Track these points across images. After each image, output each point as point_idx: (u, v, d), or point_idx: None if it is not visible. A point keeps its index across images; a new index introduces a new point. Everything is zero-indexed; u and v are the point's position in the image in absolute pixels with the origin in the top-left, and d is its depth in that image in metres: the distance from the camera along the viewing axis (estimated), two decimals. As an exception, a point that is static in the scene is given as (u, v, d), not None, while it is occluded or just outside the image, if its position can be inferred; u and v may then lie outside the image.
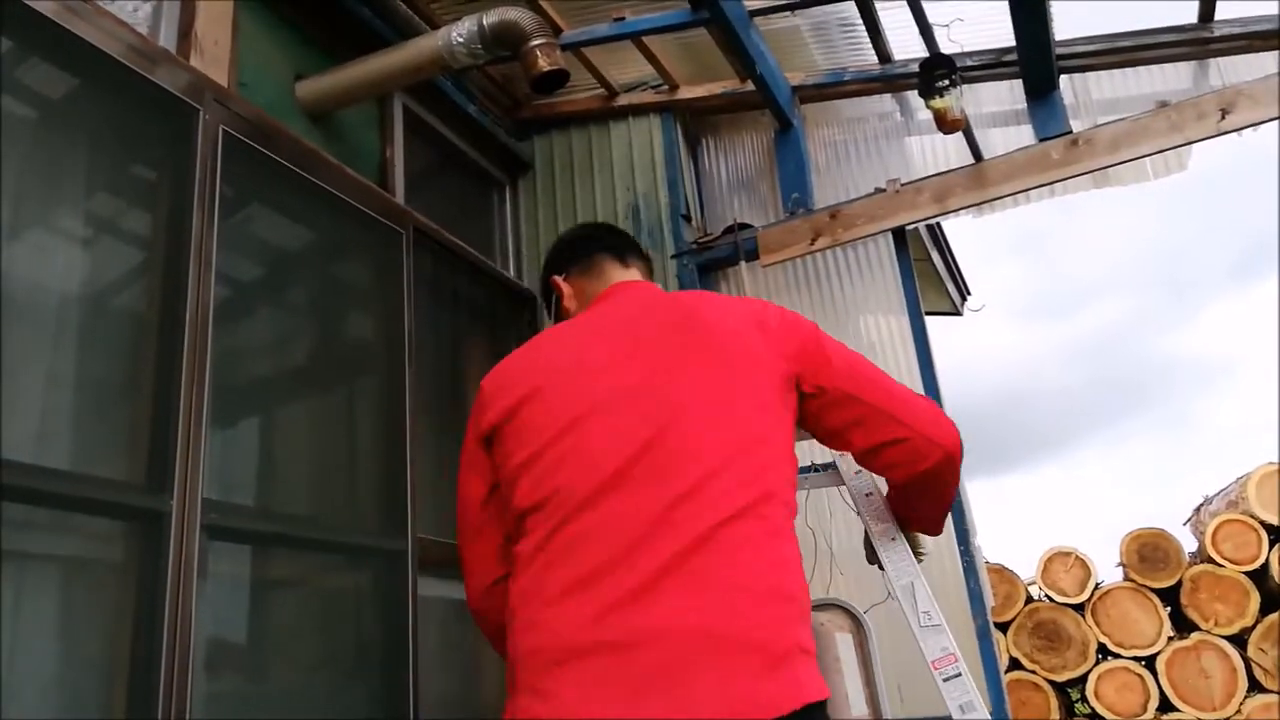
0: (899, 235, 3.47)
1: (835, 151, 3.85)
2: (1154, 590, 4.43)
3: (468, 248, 3.47)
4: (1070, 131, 3.24)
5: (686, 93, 3.86)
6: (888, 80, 3.70)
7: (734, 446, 1.16)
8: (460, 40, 2.78)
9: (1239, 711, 4.08)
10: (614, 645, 1.04)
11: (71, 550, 1.90)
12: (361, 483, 2.68)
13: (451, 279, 3.40)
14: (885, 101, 3.81)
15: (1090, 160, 3.16)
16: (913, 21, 3.21)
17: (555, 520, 1.15)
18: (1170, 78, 3.37)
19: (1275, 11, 3.16)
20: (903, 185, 3.42)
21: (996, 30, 3.31)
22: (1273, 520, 4.38)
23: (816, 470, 1.81)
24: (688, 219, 3.77)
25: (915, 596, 1.42)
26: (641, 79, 3.89)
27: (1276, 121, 2.96)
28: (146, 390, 2.05)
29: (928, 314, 3.53)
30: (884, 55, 3.64)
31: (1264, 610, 4.25)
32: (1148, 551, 4.55)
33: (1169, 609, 4.43)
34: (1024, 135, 3.40)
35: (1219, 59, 3.28)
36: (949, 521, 3.13)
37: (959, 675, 1.34)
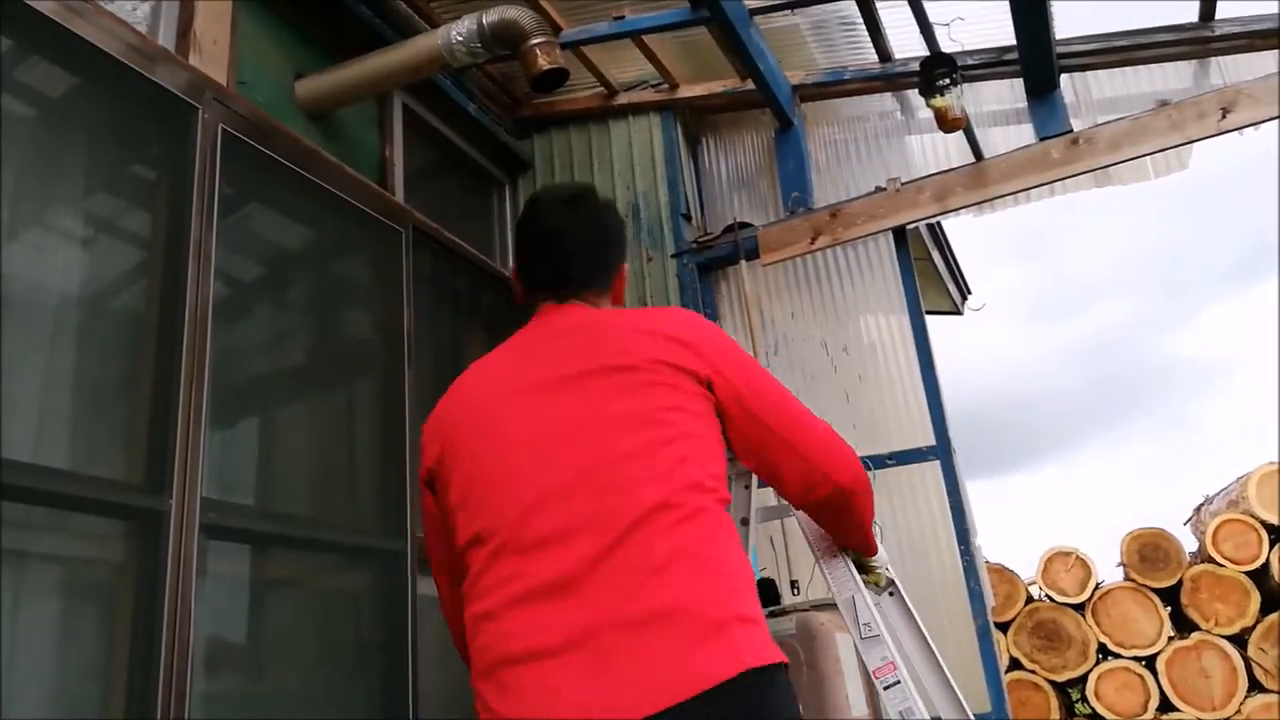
0: (899, 234, 3.47)
1: (835, 150, 3.84)
2: (1154, 590, 4.43)
3: (467, 247, 3.46)
4: (1071, 130, 3.24)
5: (686, 91, 3.85)
6: (888, 79, 3.70)
7: (646, 446, 1.21)
8: (460, 39, 2.78)
9: (1239, 711, 4.08)
10: (553, 648, 1.11)
11: (70, 550, 1.90)
12: (361, 482, 2.68)
13: (451, 278, 3.39)
14: (886, 100, 3.81)
15: (1091, 159, 3.16)
16: (913, 20, 3.21)
17: (489, 550, 1.22)
18: (1171, 77, 3.37)
19: (1275, 10, 3.15)
20: (903, 184, 3.42)
21: (997, 29, 3.31)
22: (1273, 520, 4.38)
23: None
24: (688, 218, 3.76)
25: (856, 609, 1.48)
26: (641, 78, 3.89)
27: (1277, 120, 2.96)
28: (145, 389, 2.05)
29: (928, 313, 3.53)
30: (884, 54, 3.64)
31: (1264, 610, 4.25)
32: (1148, 551, 4.55)
33: (1169, 609, 4.43)
34: (1024, 134, 3.39)
35: (1219, 58, 3.28)
36: (949, 522, 3.14)
37: (898, 683, 1.40)
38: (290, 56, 2.91)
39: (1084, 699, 4.35)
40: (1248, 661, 4.18)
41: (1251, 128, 2.99)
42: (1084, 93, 3.46)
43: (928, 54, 3.09)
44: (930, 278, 4.99)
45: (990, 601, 3.15)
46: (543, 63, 2.73)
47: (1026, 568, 4.76)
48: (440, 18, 3.31)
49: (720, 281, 3.76)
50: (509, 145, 3.90)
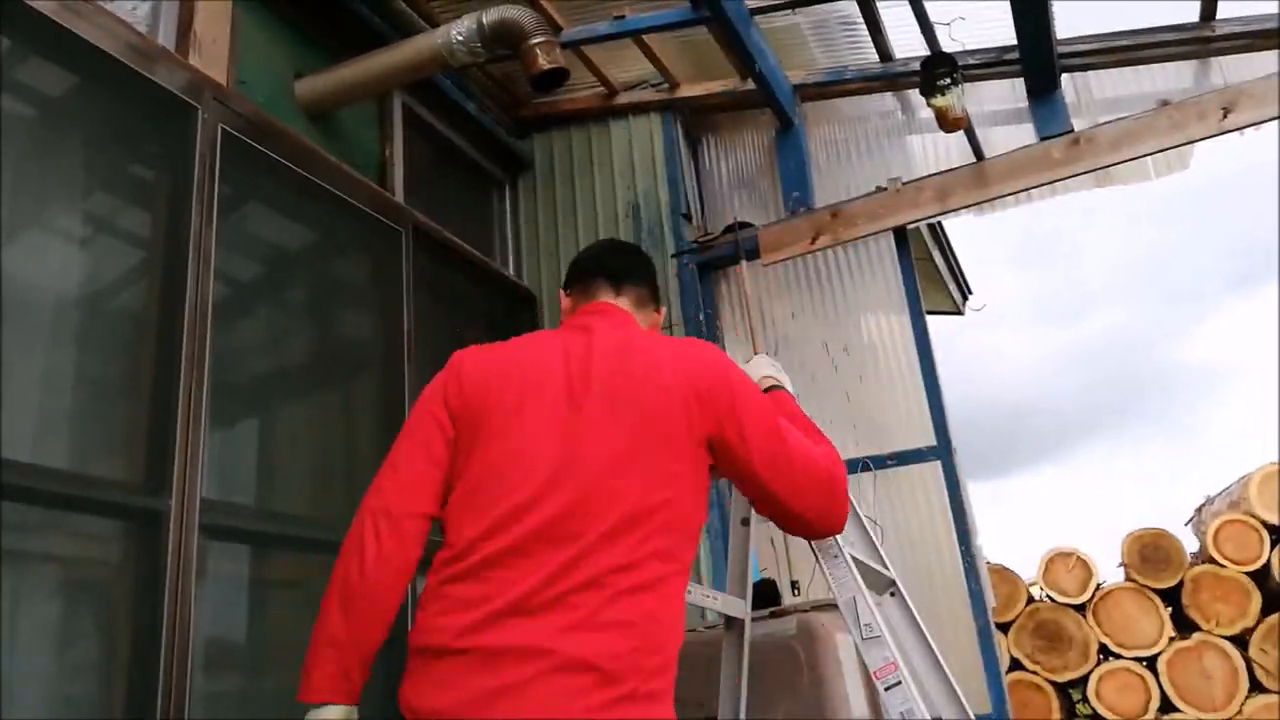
0: (900, 234, 3.47)
1: (836, 150, 3.84)
2: (1155, 590, 4.42)
3: (467, 246, 3.46)
4: (1072, 130, 3.23)
5: (687, 91, 3.85)
6: (889, 79, 3.70)
7: (634, 508, 1.25)
8: (460, 39, 2.78)
9: (1240, 712, 4.07)
10: (481, 651, 1.18)
11: (70, 550, 1.90)
12: (360, 482, 2.66)
13: (450, 277, 3.39)
14: (886, 100, 3.80)
15: (1092, 159, 3.15)
16: (914, 20, 3.20)
17: (464, 544, 1.27)
18: (1172, 77, 3.36)
19: (1276, 10, 3.15)
20: (904, 184, 3.41)
21: (998, 29, 3.31)
22: (1274, 520, 4.37)
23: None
24: (688, 218, 3.76)
25: (857, 610, 1.48)
26: (642, 77, 3.89)
27: (1277, 120, 2.96)
28: (145, 390, 2.05)
29: (929, 313, 3.52)
30: (885, 54, 3.63)
31: (1265, 611, 4.24)
32: (1149, 552, 4.54)
33: (1170, 609, 4.42)
34: (1025, 134, 3.39)
35: (1220, 58, 3.27)
36: (950, 522, 3.14)
37: (900, 683, 1.38)
38: (290, 56, 2.90)
39: (1085, 700, 4.34)
40: (1249, 662, 4.17)
41: (1252, 128, 2.99)
42: (1085, 92, 3.45)
43: (929, 53, 3.09)
44: (931, 278, 4.99)
45: (991, 602, 3.14)
46: (543, 62, 2.73)
47: (1027, 568, 4.76)
48: (440, 17, 3.31)
49: (721, 281, 3.76)
50: (509, 145, 3.90)
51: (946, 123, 3.00)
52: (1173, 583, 4.45)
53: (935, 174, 3.42)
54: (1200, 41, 3.28)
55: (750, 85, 3.61)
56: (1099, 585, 4.55)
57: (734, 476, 1.40)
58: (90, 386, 1.99)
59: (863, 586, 1.47)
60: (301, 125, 2.82)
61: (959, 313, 5.53)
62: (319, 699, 1.30)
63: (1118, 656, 4.36)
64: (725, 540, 2.74)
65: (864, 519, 1.78)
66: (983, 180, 3.29)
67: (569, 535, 1.23)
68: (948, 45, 3.31)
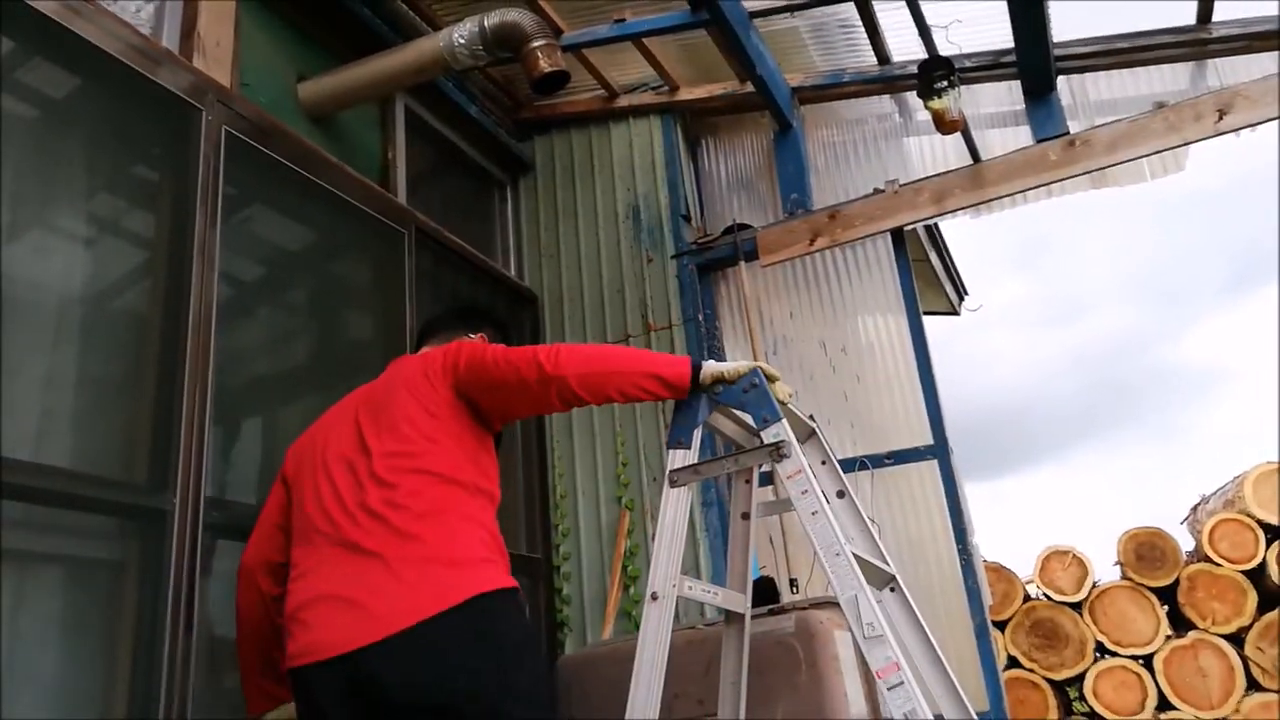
0: (897, 236, 3.48)
1: (834, 152, 3.86)
2: (1151, 589, 4.44)
3: (469, 247, 3.48)
4: (1068, 132, 3.25)
5: (687, 94, 3.87)
6: (887, 81, 3.71)
7: (394, 452, 1.62)
8: (462, 41, 2.79)
9: (1237, 710, 4.09)
10: (330, 595, 1.52)
11: (74, 549, 1.91)
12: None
13: (453, 278, 3.41)
14: (884, 102, 3.82)
15: (1088, 161, 3.17)
16: (911, 23, 3.22)
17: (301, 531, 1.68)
18: (1168, 79, 3.38)
19: (1273, 13, 3.17)
20: (901, 186, 3.43)
21: (995, 31, 3.32)
22: (1270, 519, 4.39)
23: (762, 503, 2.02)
24: (688, 219, 3.78)
25: (859, 608, 1.46)
26: (642, 80, 3.91)
27: (1274, 122, 2.98)
28: (149, 389, 2.06)
29: (926, 314, 3.54)
30: (883, 56, 3.65)
31: (1261, 609, 4.26)
32: (1145, 550, 4.56)
33: (1166, 608, 4.44)
34: (1022, 136, 3.41)
35: (1217, 60, 3.29)
36: (947, 521, 3.15)
37: (902, 683, 1.38)
38: (293, 58, 2.92)
39: (1082, 697, 4.36)
40: (1245, 660, 4.19)
41: (1248, 129, 3.01)
42: (1081, 95, 3.47)
43: (926, 56, 3.11)
44: (928, 279, 5.01)
45: (988, 600, 3.16)
46: (544, 65, 2.75)
47: (1024, 567, 4.78)
48: (442, 20, 3.33)
49: (720, 282, 3.78)
50: (510, 147, 3.92)
51: (943, 125, 3.02)
52: (1169, 581, 4.47)
53: (932, 176, 3.44)
54: (1196, 44, 3.30)
55: (749, 88, 3.62)
56: (1095, 584, 4.57)
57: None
58: (94, 386, 2.01)
59: (864, 584, 1.47)
60: (304, 127, 2.84)
61: (955, 313, 5.55)
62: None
63: (1114, 654, 4.38)
64: (724, 538, 2.75)
65: (863, 516, 1.80)
66: (979, 182, 3.31)
67: None
68: (945, 48, 3.33)
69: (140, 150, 2.26)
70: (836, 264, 3.69)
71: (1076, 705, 4.45)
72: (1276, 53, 3.13)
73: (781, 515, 2.99)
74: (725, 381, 1.68)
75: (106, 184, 2.18)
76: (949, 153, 3.57)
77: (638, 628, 1.59)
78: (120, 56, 2.12)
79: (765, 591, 2.57)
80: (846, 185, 3.75)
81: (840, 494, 1.80)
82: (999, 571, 4.70)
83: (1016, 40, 3.11)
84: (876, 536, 1.76)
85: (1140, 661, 4.35)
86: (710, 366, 1.69)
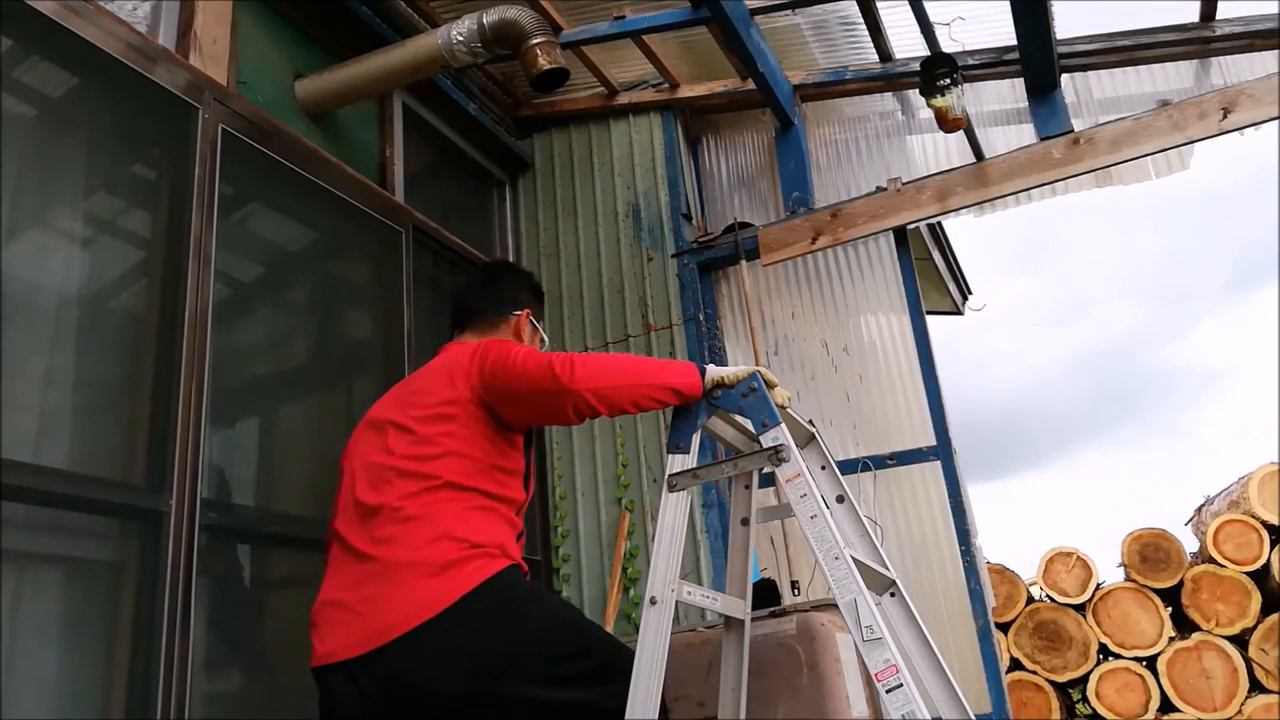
0: (900, 234, 3.47)
1: (836, 150, 3.84)
2: (1155, 590, 4.42)
3: (467, 246, 3.46)
4: (1072, 130, 3.23)
5: (687, 91, 3.85)
6: (889, 79, 3.69)
7: (413, 458, 1.65)
8: (460, 39, 2.78)
9: (1240, 712, 4.07)
10: (338, 603, 1.57)
11: (71, 550, 1.90)
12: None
13: (451, 277, 3.39)
14: (886, 100, 3.80)
15: (1092, 159, 3.15)
16: (914, 20, 3.19)
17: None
18: (1172, 77, 3.36)
19: (1276, 10, 3.15)
20: (904, 184, 3.41)
21: (998, 29, 3.31)
22: (1274, 520, 4.37)
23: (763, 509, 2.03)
24: (688, 218, 3.76)
25: (858, 611, 1.45)
26: (642, 77, 3.89)
27: (1278, 121, 2.96)
28: (145, 390, 2.05)
29: (928, 313, 3.52)
30: (885, 54, 3.63)
31: (1265, 611, 4.24)
32: (1149, 552, 4.54)
33: (1170, 609, 4.42)
34: (1025, 134, 3.39)
35: (1221, 58, 3.27)
36: (950, 522, 3.13)
37: (901, 686, 1.37)
38: (290, 56, 2.90)
39: (1085, 699, 4.34)
40: (1249, 662, 4.17)
41: (1252, 127, 2.99)
42: (1085, 93, 3.45)
43: (928, 54, 3.08)
44: (931, 278, 4.99)
45: (991, 602, 3.14)
46: (543, 62, 2.73)
47: (1027, 568, 4.76)
48: (440, 17, 3.31)
49: (720, 281, 3.76)
50: (509, 145, 3.90)
51: (946, 123, 3.00)
52: (1172, 583, 4.45)
53: (935, 174, 3.42)
54: (1200, 41, 3.28)
55: (750, 85, 3.61)
56: (1099, 585, 4.56)
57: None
58: (90, 386, 1.99)
59: (864, 588, 1.47)
60: (302, 125, 2.82)
61: (959, 313, 5.53)
62: None
63: (1117, 656, 4.36)
64: (725, 540, 2.74)
65: (864, 519, 1.78)
66: (983, 180, 3.29)
67: None
68: (948, 45, 3.30)
69: (137, 149, 2.25)
70: (838, 263, 3.67)
71: (1079, 707, 4.43)
72: (1278, 51, 3.11)
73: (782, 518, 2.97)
74: (724, 386, 1.68)
75: (103, 183, 2.16)
76: (952, 151, 3.55)
77: (637, 630, 1.57)
78: (117, 55, 2.11)
79: (766, 593, 2.55)
80: (849, 183, 3.73)
81: (840, 499, 1.78)
82: (1002, 573, 4.69)
83: (1020, 37, 3.09)
84: (877, 541, 1.75)
85: (1143, 663, 4.33)
86: (710, 371, 1.69)
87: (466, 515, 1.60)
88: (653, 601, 1.58)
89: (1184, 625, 4.43)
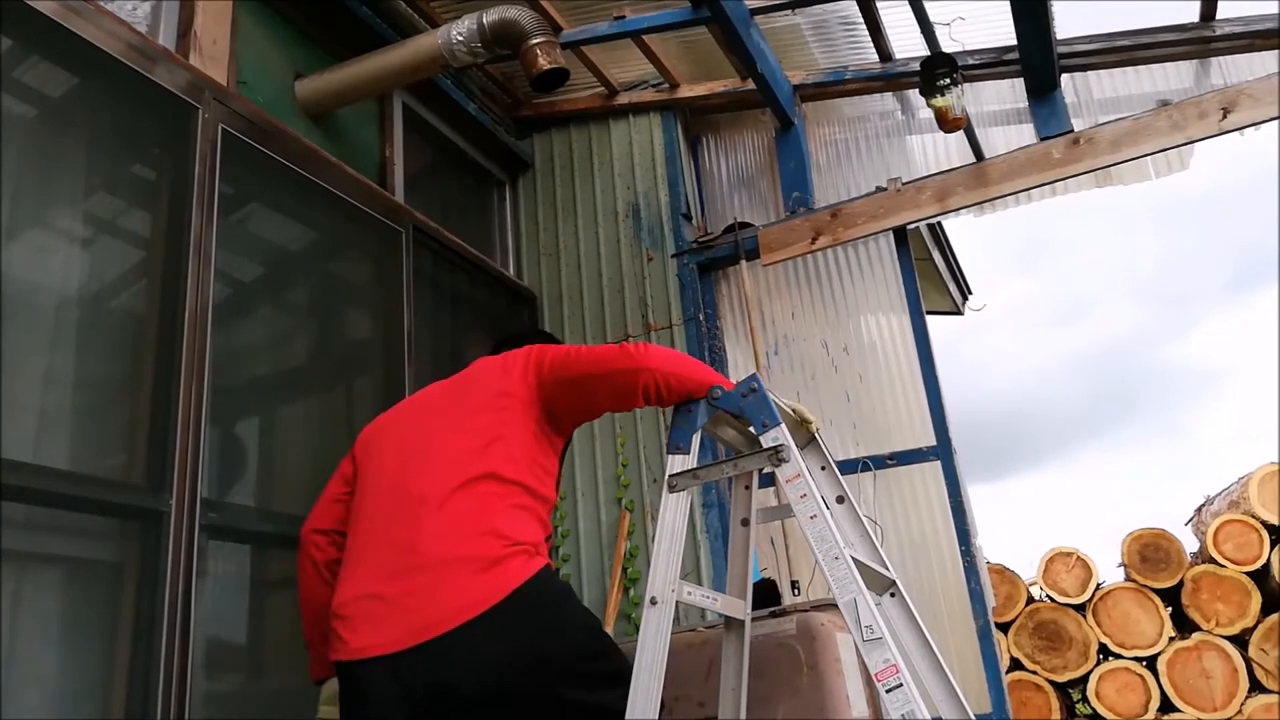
0: (900, 234, 3.46)
1: (836, 150, 3.84)
2: (1155, 590, 4.42)
3: (467, 246, 3.46)
4: (1072, 130, 3.23)
5: (687, 91, 3.85)
6: (889, 79, 3.69)
7: (459, 449, 1.64)
8: (460, 39, 2.78)
9: (1240, 712, 4.07)
10: (376, 596, 1.54)
11: (71, 550, 1.90)
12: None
13: (451, 277, 3.39)
14: (886, 100, 3.80)
15: (1092, 159, 3.15)
16: (914, 20, 3.19)
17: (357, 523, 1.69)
18: (1172, 77, 3.36)
19: (1276, 10, 3.15)
20: (904, 184, 3.41)
21: (998, 29, 3.31)
22: (1274, 520, 4.37)
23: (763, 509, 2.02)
24: (688, 217, 3.76)
25: (858, 611, 1.46)
26: (642, 78, 3.89)
27: (1278, 121, 2.96)
28: (145, 390, 2.05)
29: (928, 313, 3.52)
30: (885, 54, 3.63)
31: (1265, 610, 4.24)
32: (1149, 552, 4.54)
33: (1170, 609, 4.42)
34: (1025, 134, 3.39)
35: (1220, 58, 3.27)
36: (950, 522, 3.13)
37: (901, 685, 1.37)
38: (290, 56, 2.90)
39: (1085, 699, 4.34)
40: (1248, 662, 4.17)
41: (1252, 127, 2.99)
42: (1085, 93, 3.45)
43: (928, 54, 3.08)
44: (931, 278, 4.99)
45: (991, 602, 3.14)
46: (543, 62, 2.73)
47: (1027, 568, 4.76)
48: (440, 17, 3.31)
49: (720, 281, 3.76)
50: (509, 145, 3.90)
51: (946, 123, 3.00)
52: (1172, 583, 4.45)
53: (935, 174, 3.42)
54: (1200, 41, 3.28)
55: (750, 85, 3.60)
56: (1099, 585, 4.55)
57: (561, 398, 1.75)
58: (90, 386, 1.99)
59: (864, 588, 1.47)
60: (302, 125, 2.82)
61: (959, 313, 5.52)
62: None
63: (1117, 656, 4.36)
64: (725, 540, 2.74)
65: (864, 519, 1.78)
66: (982, 180, 3.29)
67: None
68: (948, 45, 3.30)
69: (137, 149, 2.25)
70: (838, 263, 3.67)
71: (1079, 707, 4.43)
72: (1278, 51, 3.11)
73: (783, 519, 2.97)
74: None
75: (103, 183, 2.17)
76: (951, 151, 3.55)
77: (637, 630, 1.57)
78: (117, 55, 2.11)
79: (767, 593, 2.55)
80: (848, 183, 3.73)
81: (840, 499, 1.78)
82: (1002, 573, 4.69)
83: (1020, 37, 3.09)
84: (877, 541, 1.75)
85: (1143, 663, 4.33)
86: None
87: (508, 512, 1.60)
88: (653, 602, 1.58)
89: (1184, 625, 4.43)
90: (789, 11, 3.44)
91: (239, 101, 2.44)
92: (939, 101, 2.95)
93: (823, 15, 3.55)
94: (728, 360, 3.62)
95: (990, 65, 3.50)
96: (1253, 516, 4.44)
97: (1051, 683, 4.41)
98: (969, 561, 3.08)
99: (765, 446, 1.62)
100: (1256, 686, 4.16)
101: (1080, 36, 3.40)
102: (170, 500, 1.96)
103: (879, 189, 3.47)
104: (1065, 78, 3.38)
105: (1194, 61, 3.33)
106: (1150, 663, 4.31)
